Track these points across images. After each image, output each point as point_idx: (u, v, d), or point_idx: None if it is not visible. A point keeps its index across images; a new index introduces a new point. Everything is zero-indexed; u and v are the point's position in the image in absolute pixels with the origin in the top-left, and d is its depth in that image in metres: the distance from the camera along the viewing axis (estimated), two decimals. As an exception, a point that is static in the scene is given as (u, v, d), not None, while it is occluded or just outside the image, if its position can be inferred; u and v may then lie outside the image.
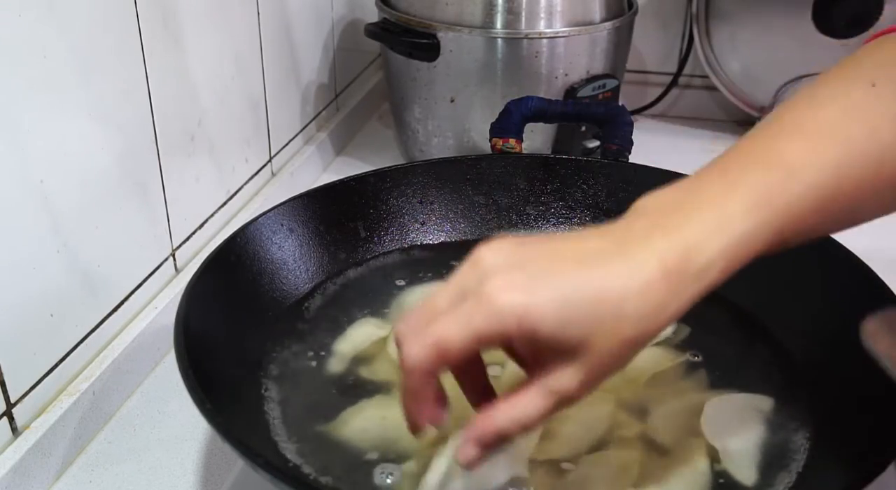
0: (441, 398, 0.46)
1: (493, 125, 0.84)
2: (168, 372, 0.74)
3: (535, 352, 0.44)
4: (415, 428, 0.46)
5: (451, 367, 0.46)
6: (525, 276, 0.41)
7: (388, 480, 0.54)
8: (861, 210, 0.46)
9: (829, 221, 0.46)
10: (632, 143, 0.83)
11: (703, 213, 0.42)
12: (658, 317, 0.41)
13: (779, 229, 0.43)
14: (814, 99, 0.47)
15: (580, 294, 0.41)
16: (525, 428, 0.44)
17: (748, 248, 0.42)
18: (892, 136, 0.45)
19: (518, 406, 0.43)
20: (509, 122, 0.83)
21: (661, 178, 0.75)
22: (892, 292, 0.60)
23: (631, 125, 0.83)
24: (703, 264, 0.41)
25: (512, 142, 0.82)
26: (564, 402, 0.43)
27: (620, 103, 0.99)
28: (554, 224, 0.80)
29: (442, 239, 0.79)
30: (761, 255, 0.43)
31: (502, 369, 0.61)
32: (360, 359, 0.66)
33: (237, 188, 0.90)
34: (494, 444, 0.44)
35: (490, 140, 0.83)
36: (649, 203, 0.44)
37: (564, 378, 0.42)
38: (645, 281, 0.41)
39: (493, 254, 0.43)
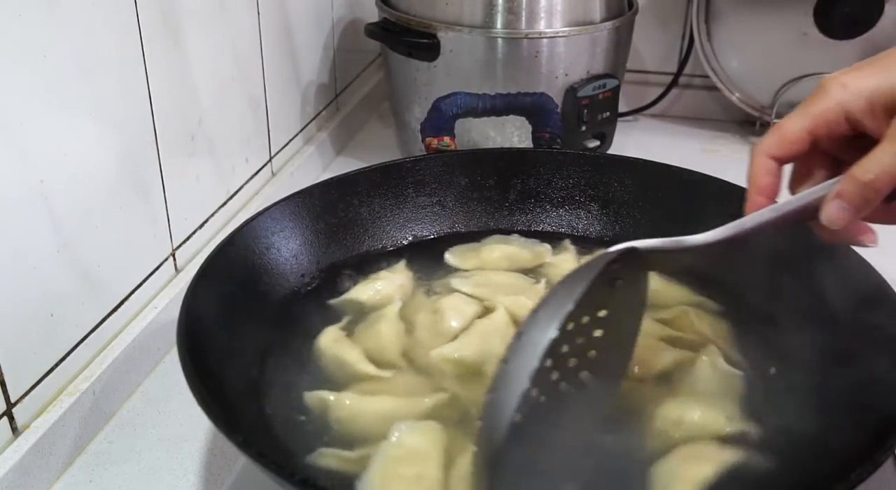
0: (772, 192, 0.52)
1: (423, 125, 0.84)
2: (168, 372, 0.74)
3: (871, 117, 0.47)
4: (747, 208, 0.52)
5: (793, 153, 0.51)
6: (851, 69, 0.49)
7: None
8: None
9: None
10: (561, 129, 0.85)
11: None
12: None
13: None
14: None
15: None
16: (892, 179, 0.46)
17: None
18: None
19: (881, 156, 0.46)
20: (441, 120, 0.83)
21: (629, 166, 0.79)
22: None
23: (558, 113, 0.85)
24: None
25: (446, 140, 0.82)
26: None
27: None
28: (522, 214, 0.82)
29: (441, 235, 0.80)
30: None
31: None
32: (363, 356, 0.66)
33: (237, 188, 0.90)
34: (862, 201, 0.47)
35: (423, 140, 0.83)
36: None
37: None
38: None
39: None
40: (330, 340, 0.66)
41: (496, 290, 0.71)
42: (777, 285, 0.67)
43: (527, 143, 0.90)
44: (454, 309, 0.68)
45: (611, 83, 1.03)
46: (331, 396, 0.60)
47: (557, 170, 0.81)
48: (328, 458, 0.56)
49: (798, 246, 0.62)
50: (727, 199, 0.73)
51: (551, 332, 0.51)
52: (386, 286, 0.72)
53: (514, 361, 0.51)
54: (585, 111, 1.02)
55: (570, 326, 0.53)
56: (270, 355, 0.64)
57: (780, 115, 1.16)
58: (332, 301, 0.71)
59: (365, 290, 0.72)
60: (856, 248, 0.61)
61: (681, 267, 0.69)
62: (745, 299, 0.69)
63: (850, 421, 0.55)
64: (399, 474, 0.53)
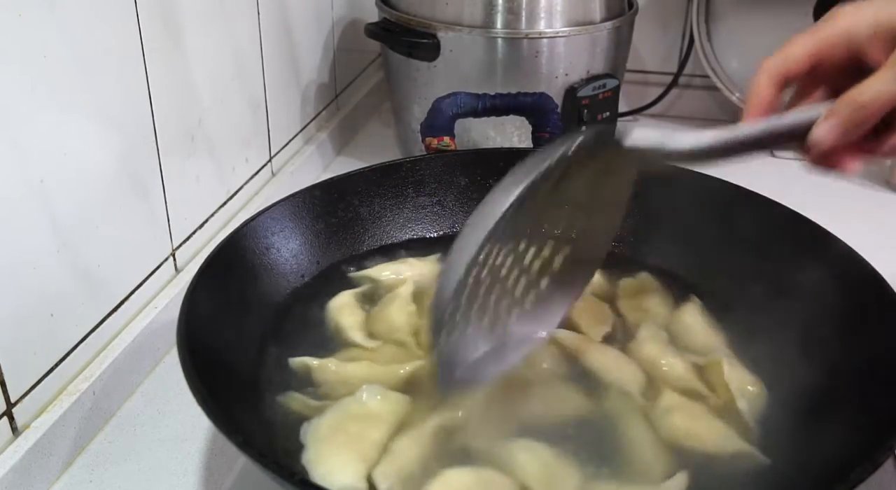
0: (769, 109, 0.53)
1: (423, 125, 0.84)
2: (168, 372, 0.74)
3: (873, 46, 0.49)
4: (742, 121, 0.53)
5: (795, 73, 0.53)
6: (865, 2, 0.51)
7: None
8: None
9: None
10: (561, 129, 0.85)
11: None
12: None
13: None
14: None
15: None
16: (884, 104, 0.48)
17: None
18: None
19: (877, 83, 0.48)
20: (441, 120, 0.83)
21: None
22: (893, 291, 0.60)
23: (558, 113, 0.85)
24: None
25: (447, 139, 0.82)
26: None
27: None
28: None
29: (438, 233, 0.80)
30: None
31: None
32: (359, 325, 0.68)
33: (237, 188, 0.90)
34: (852, 123, 0.48)
35: (423, 140, 0.83)
36: None
37: None
38: None
39: None
40: (339, 304, 0.70)
41: None
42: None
43: (527, 143, 0.90)
44: None
45: (611, 83, 1.03)
46: (314, 362, 0.63)
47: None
48: (295, 401, 0.60)
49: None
50: (727, 199, 0.74)
51: (512, 199, 0.50)
52: (406, 270, 0.74)
53: (472, 226, 0.50)
54: (585, 111, 1.02)
55: (536, 203, 0.53)
56: (270, 355, 0.64)
57: (780, 115, 1.16)
58: (353, 274, 0.74)
59: (383, 271, 0.74)
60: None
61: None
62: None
63: (849, 421, 0.55)
64: (345, 429, 0.56)
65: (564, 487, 0.54)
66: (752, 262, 0.70)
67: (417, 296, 0.71)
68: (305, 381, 0.62)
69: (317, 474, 0.54)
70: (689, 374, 0.63)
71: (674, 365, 0.64)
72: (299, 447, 0.57)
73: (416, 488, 0.53)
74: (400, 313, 0.69)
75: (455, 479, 0.53)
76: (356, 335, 0.67)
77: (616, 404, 0.60)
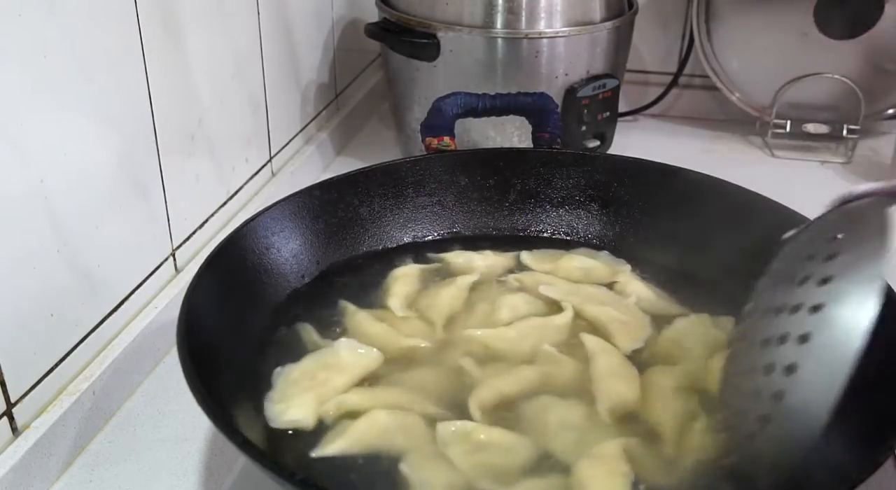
0: None
1: (423, 125, 0.84)
2: (168, 372, 0.74)
3: None
4: None
5: None
6: None
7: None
8: None
9: None
10: (561, 129, 0.85)
11: None
12: None
13: None
14: None
15: None
16: None
17: None
18: None
19: None
20: (441, 120, 0.83)
21: (631, 165, 0.79)
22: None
23: (558, 113, 0.85)
24: None
25: (447, 139, 0.82)
26: None
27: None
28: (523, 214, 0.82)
29: (436, 234, 0.80)
30: None
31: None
32: (402, 295, 0.71)
33: (237, 188, 0.90)
34: None
35: (423, 140, 0.83)
36: None
37: None
38: None
39: None
40: (402, 272, 0.74)
41: (584, 300, 0.70)
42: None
43: (527, 143, 0.90)
44: (509, 306, 0.70)
45: (611, 83, 1.03)
46: (352, 307, 0.69)
47: (557, 170, 0.81)
48: (305, 331, 0.66)
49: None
50: (727, 199, 0.74)
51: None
52: (479, 261, 0.76)
53: None
54: (585, 111, 1.02)
55: None
56: (270, 355, 0.64)
57: (780, 115, 1.16)
58: (430, 254, 0.77)
59: (458, 257, 0.77)
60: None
61: None
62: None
63: (850, 421, 0.55)
64: (314, 375, 0.61)
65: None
66: (750, 263, 0.69)
67: (475, 286, 0.73)
68: (333, 323, 0.68)
69: (273, 410, 0.58)
70: (673, 419, 0.59)
71: (671, 406, 0.60)
72: (268, 388, 0.60)
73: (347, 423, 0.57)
74: (448, 297, 0.71)
75: (378, 416, 0.57)
76: (393, 301, 0.70)
77: (579, 440, 0.57)
